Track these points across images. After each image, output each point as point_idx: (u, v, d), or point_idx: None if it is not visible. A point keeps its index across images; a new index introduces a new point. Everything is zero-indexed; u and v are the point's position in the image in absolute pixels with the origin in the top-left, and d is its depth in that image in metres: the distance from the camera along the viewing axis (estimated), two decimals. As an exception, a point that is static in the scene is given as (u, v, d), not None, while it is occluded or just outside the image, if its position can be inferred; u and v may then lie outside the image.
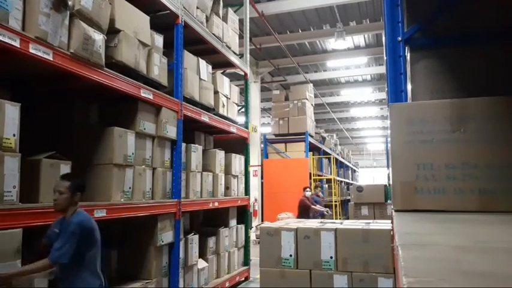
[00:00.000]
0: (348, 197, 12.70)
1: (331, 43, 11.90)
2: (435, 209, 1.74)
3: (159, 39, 4.16)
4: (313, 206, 8.47)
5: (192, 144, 4.83)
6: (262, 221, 10.82)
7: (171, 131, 4.22)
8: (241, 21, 6.87)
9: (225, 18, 5.92)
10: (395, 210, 1.80)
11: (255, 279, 6.24)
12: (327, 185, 13.13)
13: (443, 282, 0.72)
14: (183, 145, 4.56)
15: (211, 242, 5.32)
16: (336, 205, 12.06)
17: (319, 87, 16.40)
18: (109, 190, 3.33)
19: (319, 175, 11.90)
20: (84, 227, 2.47)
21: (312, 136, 11.26)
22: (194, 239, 4.82)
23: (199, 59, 5.04)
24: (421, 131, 1.81)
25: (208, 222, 5.84)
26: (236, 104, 6.30)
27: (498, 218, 1.58)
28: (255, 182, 10.84)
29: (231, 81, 6.18)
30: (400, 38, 2.32)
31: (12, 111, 2.40)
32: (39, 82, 3.28)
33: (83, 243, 2.45)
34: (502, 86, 2.10)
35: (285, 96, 11.29)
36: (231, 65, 6.44)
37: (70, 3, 2.80)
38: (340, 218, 11.68)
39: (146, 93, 3.74)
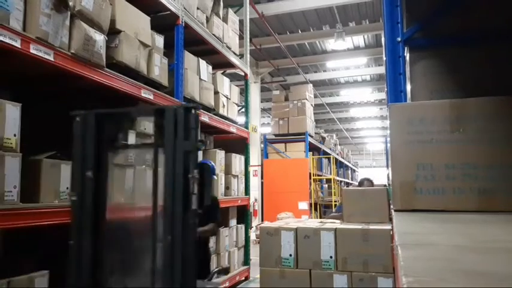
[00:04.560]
0: (348, 197, 12.65)
1: (331, 44, 11.90)
2: (435, 209, 1.75)
3: (159, 40, 4.16)
4: None
5: (192, 145, 4.83)
6: (262, 220, 10.82)
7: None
8: (241, 22, 6.88)
9: (225, 19, 5.92)
10: (395, 210, 1.81)
11: (255, 279, 6.25)
12: (326, 185, 13.13)
13: (442, 282, 0.73)
14: (183, 145, 4.55)
15: (211, 241, 5.32)
16: (335, 205, 12.06)
17: (319, 87, 16.40)
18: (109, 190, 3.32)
19: (319, 175, 11.89)
20: None
21: (311, 136, 11.26)
22: (194, 239, 4.80)
23: (200, 59, 5.04)
24: (421, 131, 1.81)
25: (208, 222, 5.84)
26: (236, 104, 6.31)
27: (498, 218, 1.59)
28: (255, 182, 10.83)
29: (231, 81, 6.19)
30: (399, 39, 2.32)
31: (13, 111, 2.41)
32: (39, 82, 3.28)
33: None
34: (502, 86, 2.10)
35: (285, 96, 11.28)
36: (231, 65, 6.45)
37: (71, 3, 2.81)
38: (340, 218, 11.67)
39: (147, 94, 3.74)
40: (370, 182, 5.62)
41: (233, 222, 6.08)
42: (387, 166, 13.02)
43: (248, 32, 7.14)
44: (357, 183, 6.55)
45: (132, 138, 3.52)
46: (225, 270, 4.22)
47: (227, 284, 5.52)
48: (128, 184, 3.48)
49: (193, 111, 2.22)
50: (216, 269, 3.80)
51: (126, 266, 2.79)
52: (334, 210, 8.46)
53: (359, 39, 12.39)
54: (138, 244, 2.78)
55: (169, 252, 2.15)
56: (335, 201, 12.14)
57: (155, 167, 2.37)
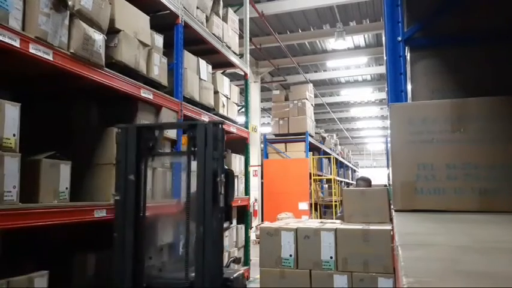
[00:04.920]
0: (348, 197, 12.64)
1: (331, 43, 11.90)
2: (435, 209, 1.74)
3: (159, 39, 4.16)
4: None
5: (192, 144, 4.83)
6: (262, 221, 10.82)
7: (171, 131, 4.22)
8: (241, 21, 6.87)
9: (225, 18, 5.91)
10: (396, 210, 1.80)
11: (255, 279, 6.24)
12: (327, 185, 13.13)
13: (443, 282, 0.72)
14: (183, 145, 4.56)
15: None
16: (335, 205, 12.06)
17: (319, 87, 16.40)
18: (109, 190, 3.32)
19: (319, 175, 11.89)
20: None
21: (312, 136, 11.26)
22: (194, 239, 4.81)
23: (199, 59, 5.03)
24: (421, 131, 1.81)
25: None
26: (236, 104, 6.30)
27: (499, 218, 1.58)
28: (255, 182, 10.84)
29: (231, 81, 6.18)
30: (400, 38, 2.32)
31: (12, 111, 2.40)
32: (39, 82, 3.28)
33: None
34: (503, 85, 2.10)
35: (285, 96, 11.28)
36: (231, 65, 6.44)
37: (70, 3, 2.80)
38: (340, 218, 11.65)
39: (146, 93, 3.73)
40: (366, 182, 5.58)
41: (233, 222, 6.07)
42: (388, 166, 13.02)
43: (248, 32, 7.13)
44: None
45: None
46: (239, 260, 4.74)
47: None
48: (165, 185, 3.91)
49: (220, 126, 2.69)
50: (231, 259, 4.18)
51: (163, 254, 3.37)
52: (339, 210, 8.45)
53: (359, 39, 12.39)
54: (174, 234, 3.34)
55: (201, 241, 2.60)
56: (335, 202, 12.14)
57: (188, 171, 2.80)
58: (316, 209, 11.25)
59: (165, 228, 3.34)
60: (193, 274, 2.62)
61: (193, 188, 2.77)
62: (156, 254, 3.25)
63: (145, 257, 2.82)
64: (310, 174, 10.66)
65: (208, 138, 2.69)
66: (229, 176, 2.90)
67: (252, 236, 8.70)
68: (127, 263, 2.68)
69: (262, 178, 11.43)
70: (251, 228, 7.40)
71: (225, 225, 2.89)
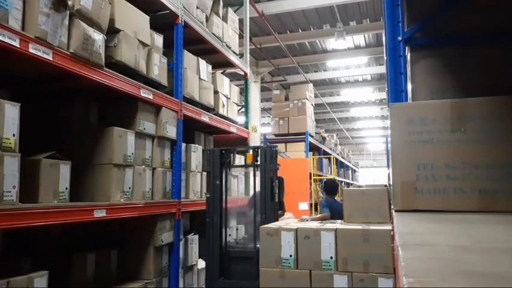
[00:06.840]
0: (348, 197, 12.62)
1: (331, 43, 11.91)
2: (435, 209, 1.74)
3: (159, 39, 4.16)
4: None
5: (192, 144, 4.83)
6: (262, 221, 10.82)
7: (171, 131, 4.22)
8: (241, 21, 6.87)
9: (225, 18, 5.91)
10: (396, 210, 1.80)
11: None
12: (327, 185, 13.10)
13: (443, 282, 0.72)
14: (183, 145, 4.55)
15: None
16: (336, 205, 12.03)
17: (319, 87, 16.40)
18: (109, 190, 3.32)
19: (319, 175, 11.88)
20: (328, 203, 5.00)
21: (312, 136, 11.25)
22: (194, 239, 4.81)
23: (199, 58, 5.03)
24: (421, 131, 1.81)
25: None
26: (236, 104, 6.30)
27: (498, 218, 1.58)
28: (255, 182, 10.81)
29: (231, 81, 6.17)
30: (400, 38, 2.32)
31: (12, 111, 2.40)
32: (39, 82, 3.28)
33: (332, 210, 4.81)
34: (503, 85, 2.10)
35: (285, 96, 11.27)
36: (231, 64, 6.43)
37: (70, 3, 2.80)
38: (340, 218, 11.64)
39: (146, 93, 3.73)
40: (328, 183, 5.98)
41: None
42: (388, 166, 13.00)
43: (248, 31, 7.13)
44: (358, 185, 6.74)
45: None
46: None
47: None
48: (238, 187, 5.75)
49: (274, 148, 4.21)
50: None
51: (239, 232, 5.35)
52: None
53: (360, 39, 12.39)
54: (245, 219, 5.01)
55: (264, 223, 3.80)
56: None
57: (254, 177, 4.34)
58: (316, 209, 11.24)
59: (239, 215, 5.10)
60: (258, 245, 3.64)
61: (257, 188, 4.11)
62: (234, 232, 4.98)
63: (227, 233, 4.28)
64: (310, 174, 10.65)
65: (266, 156, 4.13)
66: (281, 181, 4.23)
67: (252, 236, 8.69)
68: (215, 237, 4.13)
69: (262, 178, 11.41)
70: (251, 228, 7.41)
71: (279, 212, 4.30)
